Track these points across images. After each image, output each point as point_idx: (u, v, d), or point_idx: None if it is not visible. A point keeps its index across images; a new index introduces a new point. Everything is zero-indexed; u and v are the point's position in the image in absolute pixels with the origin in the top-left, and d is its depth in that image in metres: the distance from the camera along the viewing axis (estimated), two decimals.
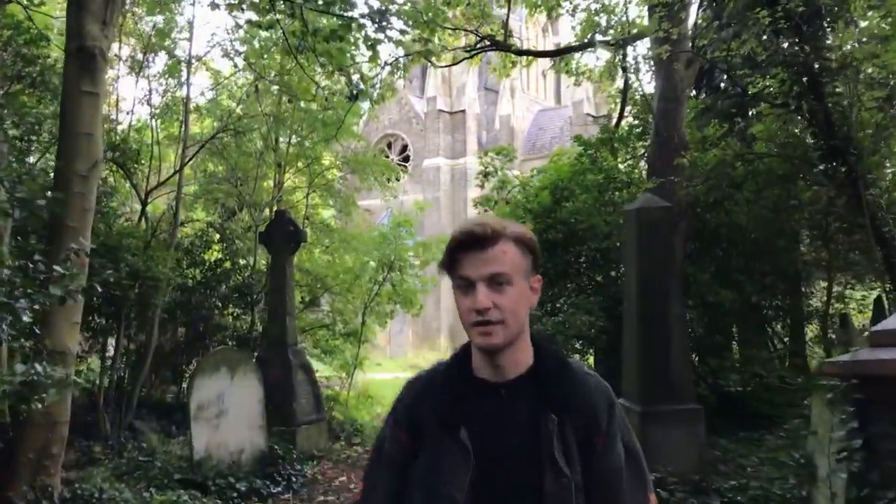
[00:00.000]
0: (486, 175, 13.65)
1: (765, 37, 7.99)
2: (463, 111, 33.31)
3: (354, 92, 11.44)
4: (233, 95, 16.32)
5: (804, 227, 10.59)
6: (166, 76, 13.56)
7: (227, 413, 8.26)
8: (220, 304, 14.13)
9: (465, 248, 1.62)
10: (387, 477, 1.75)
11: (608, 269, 9.84)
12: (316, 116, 14.52)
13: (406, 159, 30.16)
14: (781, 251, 10.37)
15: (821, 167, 8.31)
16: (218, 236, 14.65)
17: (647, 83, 12.88)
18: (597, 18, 14.06)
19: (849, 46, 7.63)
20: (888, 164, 8.33)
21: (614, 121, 13.50)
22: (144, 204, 12.07)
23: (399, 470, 1.72)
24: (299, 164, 15.09)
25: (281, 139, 15.41)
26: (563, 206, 9.98)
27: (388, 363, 24.41)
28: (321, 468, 9.55)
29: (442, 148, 32.78)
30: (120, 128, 13.07)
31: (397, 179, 14.98)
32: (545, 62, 40.16)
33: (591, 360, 10.15)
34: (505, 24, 13.80)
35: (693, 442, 6.31)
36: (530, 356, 1.70)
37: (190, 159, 12.83)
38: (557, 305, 10.09)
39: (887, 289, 11.02)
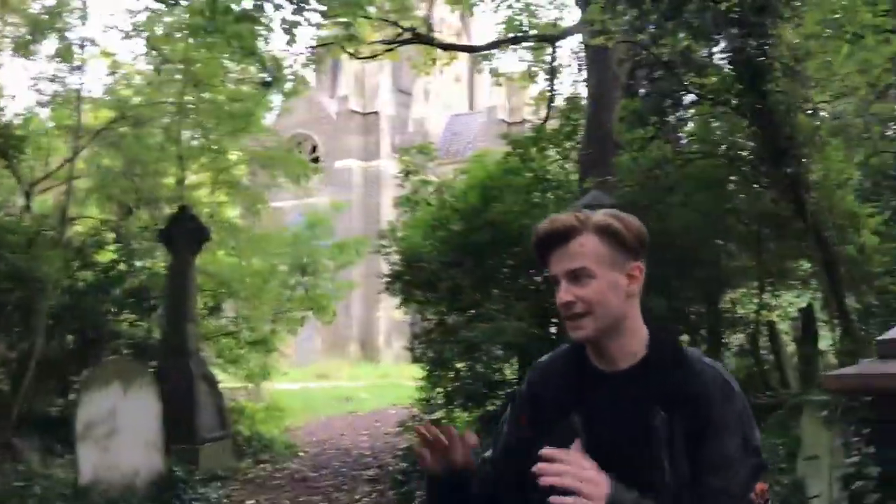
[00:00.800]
0: (406, 174, 12.98)
1: (708, 29, 7.63)
2: (376, 112, 32.52)
3: (268, 78, 10.64)
4: (132, 84, 15.18)
5: (734, 232, 10.36)
6: (57, 60, 12.36)
7: (120, 431, 7.29)
8: (114, 309, 12.95)
9: (547, 245, 1.66)
10: (503, 462, 1.77)
11: (540, 273, 9.31)
12: (223, 108, 13.53)
13: (316, 160, 29.08)
14: (708, 258, 10.12)
15: (761, 169, 8.01)
16: (113, 236, 13.44)
17: (575, 82, 12.47)
18: (520, 18, 13.68)
19: (796, 41, 7.35)
20: (824, 169, 8.10)
21: (538, 121, 13.08)
22: (29, 197, 10.86)
23: (515, 454, 1.71)
24: (203, 160, 14.04)
25: (184, 132, 14.34)
26: (492, 207, 9.42)
27: (296, 372, 23.33)
28: (227, 491, 8.64)
29: (354, 149, 31.92)
30: (4, 116, 11.82)
31: (308, 178, 14.08)
32: (462, 66, 39.91)
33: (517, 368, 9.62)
34: (427, 18, 13.22)
35: None
36: (643, 345, 1.67)
37: (81, 150, 11.64)
38: (481, 312, 9.51)
39: (818, 297, 10.97)
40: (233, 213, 14.34)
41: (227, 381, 14.37)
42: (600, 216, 1.66)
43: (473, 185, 9.66)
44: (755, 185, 8.84)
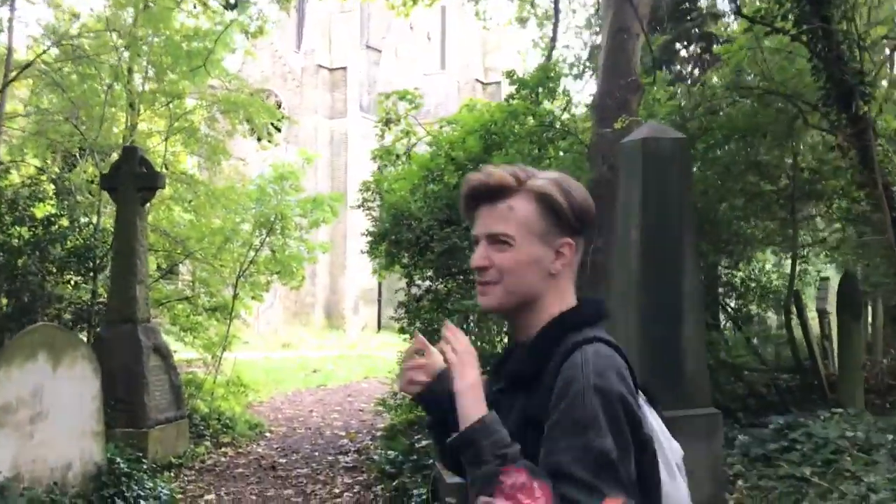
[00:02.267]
0: (387, 123, 11.63)
1: None
2: (344, 68, 30.69)
3: (232, 1, 9.15)
4: (75, 13, 13.55)
5: (759, 191, 9.22)
6: None
7: (47, 416, 5.90)
8: (54, 269, 11.45)
9: (476, 199, 1.50)
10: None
11: None
12: (179, 46, 11.97)
13: (275, 128, 27.39)
14: (724, 219, 9.01)
15: (821, 111, 6.82)
16: (53, 188, 11.87)
17: (582, 21, 11.09)
18: None
19: None
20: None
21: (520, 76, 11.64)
22: None
23: None
24: (157, 104, 12.47)
25: (136, 73, 12.75)
26: (495, 156, 8.11)
27: (257, 341, 21.93)
28: (181, 483, 7.32)
29: (320, 107, 30.15)
30: None
31: (278, 128, 12.59)
32: (434, 22, 38.26)
33: None
34: None
35: (710, 459, 4.63)
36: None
37: (10, 82, 10.03)
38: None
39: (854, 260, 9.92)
40: (190, 164, 12.82)
41: (182, 352, 13.03)
42: (543, 180, 1.49)
43: (474, 130, 8.31)
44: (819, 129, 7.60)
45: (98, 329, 8.87)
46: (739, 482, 5.82)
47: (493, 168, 1.50)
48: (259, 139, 14.02)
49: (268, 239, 11.76)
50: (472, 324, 9.19)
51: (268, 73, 29.60)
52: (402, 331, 9.01)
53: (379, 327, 29.96)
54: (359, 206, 9.98)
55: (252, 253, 11.88)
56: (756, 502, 5.21)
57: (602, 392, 1.33)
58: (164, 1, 12.37)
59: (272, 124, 12.56)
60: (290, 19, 35.35)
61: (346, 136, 30.33)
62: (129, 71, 12.53)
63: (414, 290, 9.30)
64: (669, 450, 1.57)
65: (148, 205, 9.89)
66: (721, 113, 8.11)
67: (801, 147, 8.65)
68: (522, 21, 13.86)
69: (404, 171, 9.48)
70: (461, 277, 9.01)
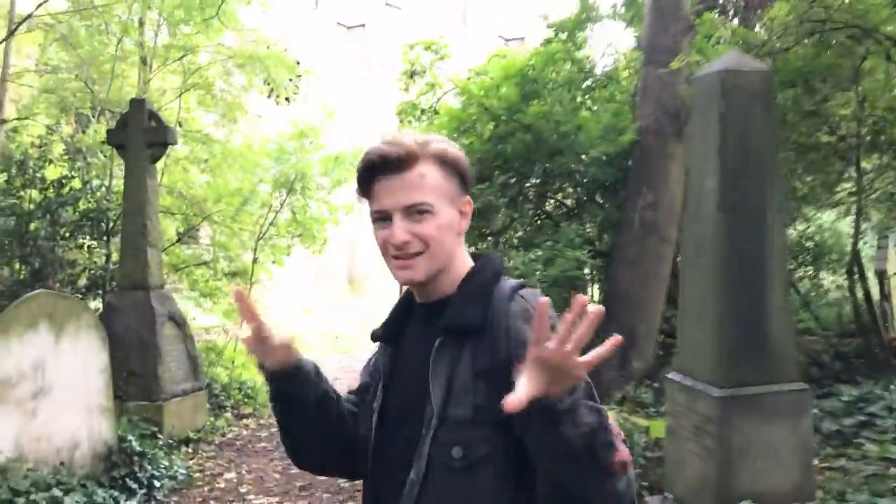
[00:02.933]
0: (412, 75, 10.92)
1: None
2: (363, 25, 29.93)
3: None
4: None
5: (814, 142, 8.48)
6: None
7: (51, 391, 5.40)
8: (66, 234, 10.98)
9: (377, 171, 1.45)
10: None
11: (597, 189, 7.43)
12: None
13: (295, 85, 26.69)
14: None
15: None
16: (63, 148, 11.33)
17: None
18: None
19: None
20: None
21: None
22: None
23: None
24: (170, 59, 11.82)
25: (147, 28, 12.11)
26: (531, 105, 7.42)
27: (278, 306, 21.49)
28: (199, 460, 6.84)
29: (339, 66, 29.39)
30: None
31: (296, 86, 11.93)
32: None
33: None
34: None
35: (799, 441, 4.02)
36: (460, 279, 1.52)
37: (12, 33, 9.43)
38: (520, 237, 7.63)
39: None
40: (205, 122, 12.20)
41: (200, 319, 12.57)
42: (440, 143, 1.49)
43: (510, 76, 7.60)
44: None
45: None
46: (815, 462, 5.23)
47: (392, 136, 1.47)
48: (277, 97, 13.40)
49: (288, 200, 11.15)
50: None
51: (285, 30, 28.78)
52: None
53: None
54: None
55: (272, 215, 11.30)
56: (841, 486, 4.60)
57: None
58: None
59: (291, 81, 11.91)
60: None
61: (365, 96, 29.56)
62: (141, 24, 11.90)
63: None
64: None
65: (161, 164, 9.37)
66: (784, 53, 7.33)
67: (867, 93, 7.88)
68: None
69: (432, 125, 8.80)
70: (490, 239, 8.39)
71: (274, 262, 12.03)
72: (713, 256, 4.06)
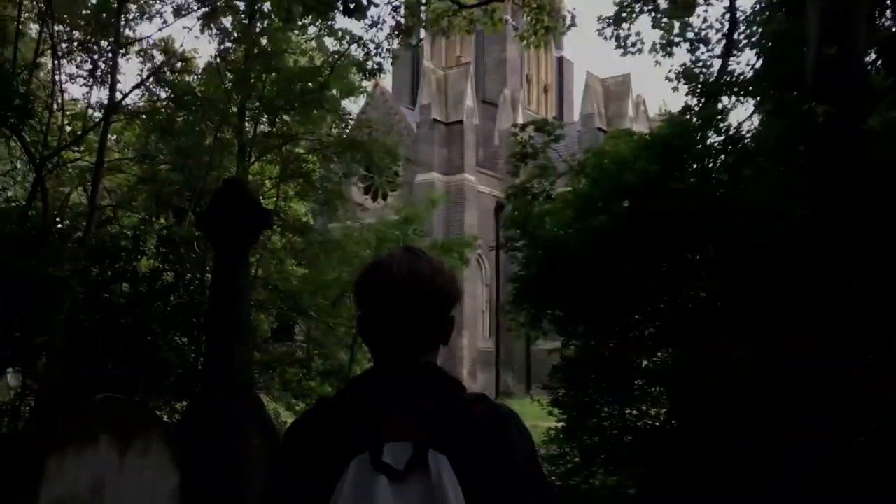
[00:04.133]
0: (523, 157, 10.05)
1: None
2: (460, 122, 29.52)
3: (351, 5, 7.87)
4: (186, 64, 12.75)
5: None
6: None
7: None
8: (158, 329, 10.38)
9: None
10: None
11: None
12: (292, 81, 10.86)
13: (395, 175, 26.39)
14: None
15: None
16: (155, 239, 10.85)
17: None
18: None
19: None
20: None
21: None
22: (41, 174, 8.28)
23: None
24: (269, 147, 11.36)
25: (247, 119, 11.78)
26: (678, 178, 6.30)
27: None
28: None
29: (436, 163, 29.06)
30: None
31: (393, 183, 11.21)
32: (550, 74, 36.96)
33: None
34: None
35: None
36: None
37: (108, 117, 9.05)
38: (667, 330, 6.41)
39: None
40: (303, 210, 11.60)
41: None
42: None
43: (650, 146, 6.54)
44: None
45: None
46: None
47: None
48: (376, 194, 12.69)
49: None
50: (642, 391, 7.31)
51: (384, 127, 28.81)
52: (556, 404, 7.19)
53: (497, 393, 27.98)
54: (503, 247, 8.33)
55: None
56: None
57: None
58: (276, 42, 11.41)
59: (387, 180, 11.30)
60: (405, 80, 34.92)
61: (463, 193, 29.00)
62: (241, 112, 11.56)
63: (567, 351, 7.51)
64: None
65: (255, 256, 8.63)
66: None
67: None
68: (668, 47, 12.22)
69: (559, 202, 7.80)
70: (633, 334, 7.17)
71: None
72: None
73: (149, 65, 12.37)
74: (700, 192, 6.18)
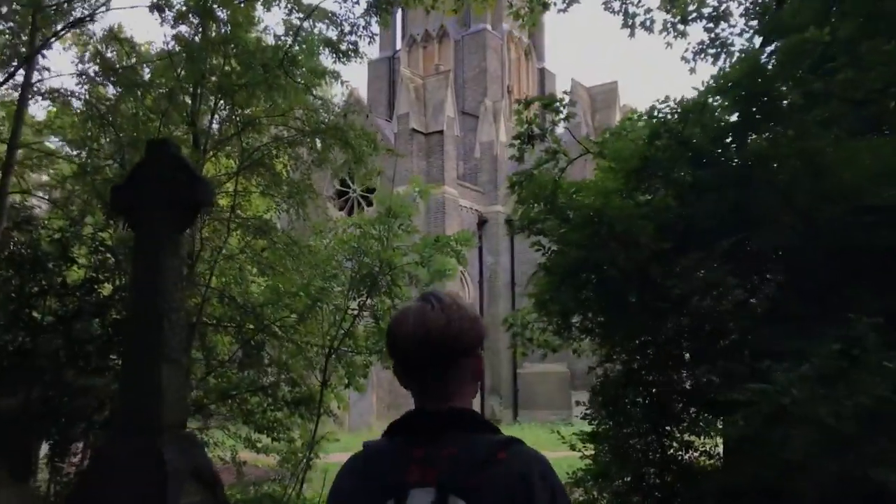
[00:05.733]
0: (529, 138, 8.44)
1: None
2: (440, 132, 27.88)
3: None
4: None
5: None
6: None
7: None
8: (91, 351, 8.58)
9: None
10: None
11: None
12: (252, 53, 9.15)
13: (370, 190, 24.65)
14: None
15: None
16: (89, 244, 9.08)
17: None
18: None
19: None
20: None
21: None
22: None
23: None
24: (227, 133, 9.60)
25: (200, 104, 10.05)
26: (761, 128, 4.64)
27: (348, 439, 18.46)
28: None
29: (415, 174, 27.46)
30: None
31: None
32: (530, 84, 35.55)
33: None
34: None
35: None
36: None
37: (27, 90, 7.28)
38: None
39: None
40: (265, 207, 9.81)
41: (254, 459, 9.83)
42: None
43: (730, 88, 4.82)
44: None
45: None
46: None
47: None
48: (351, 209, 10.95)
49: (369, 301, 8.44)
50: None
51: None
52: (593, 439, 5.45)
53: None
54: (523, 229, 6.55)
55: (347, 323, 8.57)
56: None
57: None
58: (235, 15, 9.75)
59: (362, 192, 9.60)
60: (381, 90, 33.37)
61: (443, 207, 27.31)
62: (195, 97, 9.84)
63: (604, 368, 5.79)
64: None
65: (208, 262, 6.82)
66: None
67: None
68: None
69: (597, 178, 6.10)
70: (670, 347, 5.50)
71: (348, 384, 9.21)
72: None
73: (89, 48, 10.80)
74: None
